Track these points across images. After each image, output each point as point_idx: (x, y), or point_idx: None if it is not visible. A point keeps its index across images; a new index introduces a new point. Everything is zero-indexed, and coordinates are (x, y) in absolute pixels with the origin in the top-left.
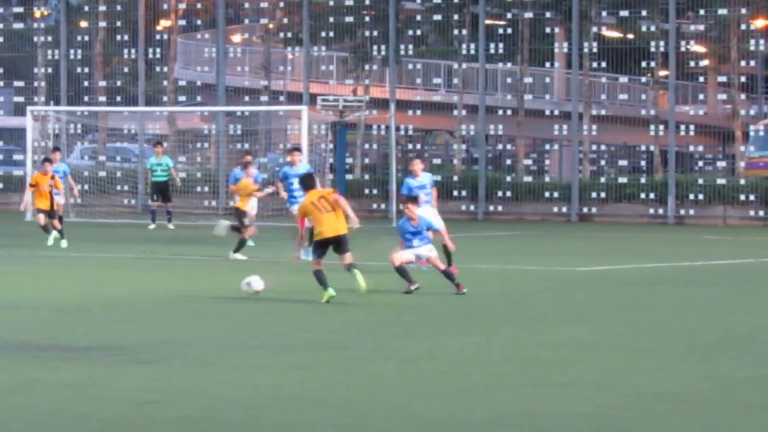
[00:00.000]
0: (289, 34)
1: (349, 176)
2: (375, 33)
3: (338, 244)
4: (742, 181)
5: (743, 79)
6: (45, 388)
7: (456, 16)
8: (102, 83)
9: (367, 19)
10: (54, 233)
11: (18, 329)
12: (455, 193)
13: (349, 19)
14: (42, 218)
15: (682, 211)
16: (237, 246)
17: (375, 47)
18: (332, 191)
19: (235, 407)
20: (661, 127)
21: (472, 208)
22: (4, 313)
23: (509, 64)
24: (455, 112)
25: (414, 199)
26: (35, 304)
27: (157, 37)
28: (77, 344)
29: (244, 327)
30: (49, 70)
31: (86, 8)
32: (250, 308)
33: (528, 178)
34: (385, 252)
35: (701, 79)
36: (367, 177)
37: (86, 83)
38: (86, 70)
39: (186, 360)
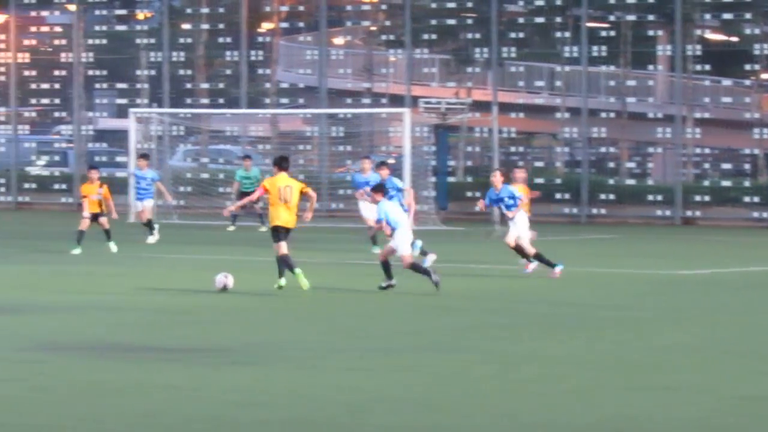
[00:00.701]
0: (392, 37)
1: (451, 179)
2: (477, 35)
3: (287, 233)
4: None
5: None
6: (147, 390)
7: (558, 19)
8: (204, 85)
9: (469, 21)
10: (154, 236)
11: (121, 331)
12: (558, 196)
13: (451, 21)
14: (86, 223)
15: None
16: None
17: (477, 50)
18: (305, 186)
19: (338, 409)
20: (765, 130)
21: (575, 211)
22: (107, 314)
23: (612, 67)
24: (558, 115)
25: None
26: (138, 305)
27: (260, 39)
28: (180, 346)
29: (348, 329)
30: (152, 72)
31: (189, 10)
32: (354, 310)
33: (631, 181)
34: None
35: None
36: (469, 180)
37: (189, 85)
38: (189, 72)
39: (289, 362)
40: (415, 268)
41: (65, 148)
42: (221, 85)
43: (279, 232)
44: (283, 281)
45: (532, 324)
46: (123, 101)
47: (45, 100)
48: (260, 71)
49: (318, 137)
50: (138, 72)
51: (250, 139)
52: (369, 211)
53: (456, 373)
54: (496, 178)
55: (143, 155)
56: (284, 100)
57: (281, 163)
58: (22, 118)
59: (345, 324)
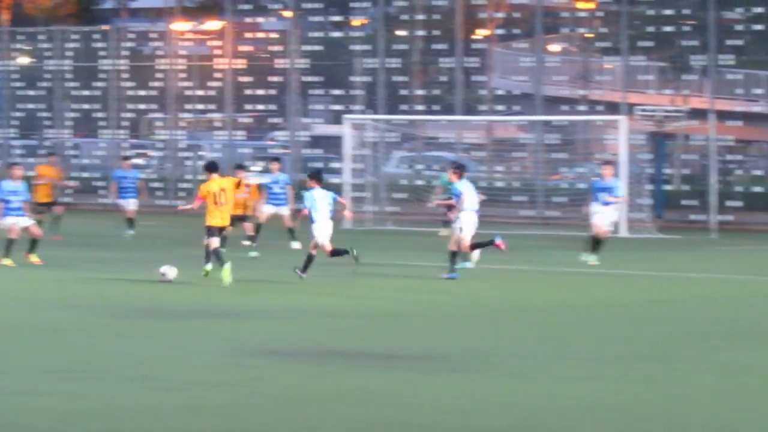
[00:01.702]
0: (608, 44)
1: (667, 187)
2: (694, 43)
3: (220, 231)
4: None
5: None
6: (364, 396)
7: None
8: (419, 92)
9: (686, 28)
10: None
11: (337, 337)
12: None
13: (668, 28)
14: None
15: None
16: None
17: (694, 57)
18: (237, 181)
19: (552, 417)
20: None
21: None
22: (323, 320)
23: None
24: None
25: None
26: (354, 311)
27: (475, 46)
28: (395, 352)
29: (563, 338)
30: (367, 78)
31: (404, 17)
32: (568, 319)
33: None
34: (703, 263)
35: None
36: (686, 188)
37: (404, 92)
38: (404, 78)
39: (502, 370)
40: (336, 252)
41: (280, 154)
42: (436, 92)
43: (213, 231)
44: (209, 266)
45: (752, 334)
46: (338, 107)
47: (260, 106)
48: (475, 78)
49: (533, 144)
50: (353, 78)
51: (465, 146)
52: (602, 217)
53: (670, 383)
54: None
55: (275, 159)
56: (499, 107)
57: (212, 168)
58: (237, 124)
59: (556, 333)
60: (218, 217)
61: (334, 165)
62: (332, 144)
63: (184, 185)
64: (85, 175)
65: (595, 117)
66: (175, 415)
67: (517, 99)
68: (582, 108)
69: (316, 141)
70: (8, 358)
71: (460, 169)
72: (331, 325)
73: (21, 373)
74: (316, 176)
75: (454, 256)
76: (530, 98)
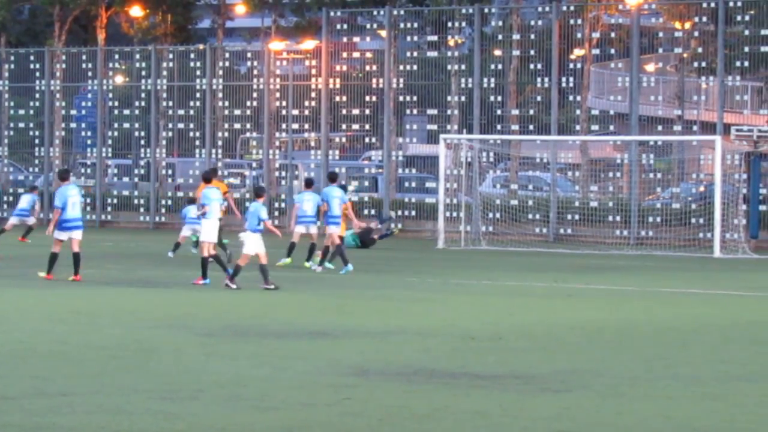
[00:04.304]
0: (703, 64)
1: (762, 207)
2: None
3: None
4: None
5: None
6: (455, 416)
7: None
8: (515, 111)
9: None
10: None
11: (429, 356)
12: None
13: (764, 48)
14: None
15: None
16: None
17: None
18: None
19: None
20: None
21: None
22: (415, 339)
23: None
24: None
25: None
26: (446, 331)
27: (571, 66)
28: (488, 372)
29: (657, 357)
30: (462, 98)
31: (500, 36)
32: (662, 339)
33: None
34: None
35: None
36: None
37: (499, 111)
38: (499, 98)
39: (597, 390)
40: (209, 260)
41: (375, 174)
42: (531, 112)
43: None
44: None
45: None
46: (433, 127)
47: (355, 126)
48: (571, 98)
49: (628, 164)
50: (449, 98)
51: (560, 165)
52: None
53: (764, 404)
54: None
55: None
56: (595, 127)
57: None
58: (332, 143)
59: (650, 352)
60: None
61: (430, 185)
62: (428, 163)
63: (278, 204)
64: (180, 194)
65: (691, 137)
66: None
67: (613, 119)
68: (677, 128)
69: (411, 160)
70: (100, 377)
71: None
72: (422, 344)
73: (113, 392)
74: (206, 176)
75: None
76: (625, 118)
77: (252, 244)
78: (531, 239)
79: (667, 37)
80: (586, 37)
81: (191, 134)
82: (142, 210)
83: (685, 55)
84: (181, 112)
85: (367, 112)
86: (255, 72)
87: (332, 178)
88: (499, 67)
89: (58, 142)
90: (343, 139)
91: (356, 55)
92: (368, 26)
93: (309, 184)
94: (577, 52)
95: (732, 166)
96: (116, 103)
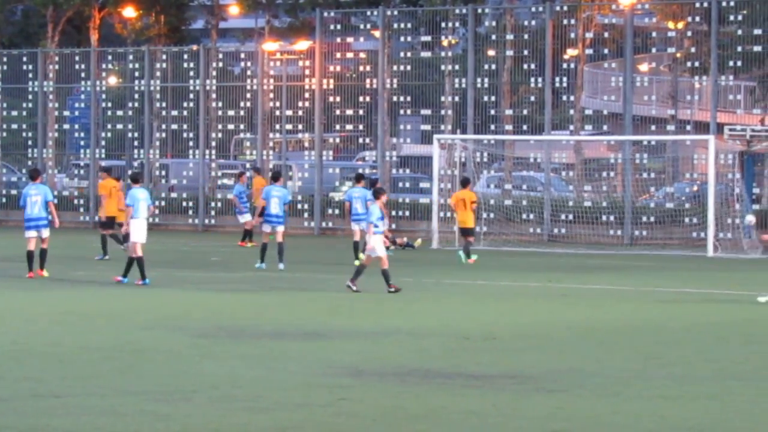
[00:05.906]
0: (697, 63)
1: (755, 206)
2: None
3: None
4: None
5: None
6: (450, 416)
7: None
8: (508, 111)
9: None
10: None
11: (424, 356)
12: None
13: (757, 48)
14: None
15: None
16: None
17: None
18: None
19: None
20: None
21: None
22: (410, 340)
23: None
24: None
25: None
26: (441, 331)
27: (564, 65)
28: (483, 372)
29: (651, 357)
30: (456, 98)
31: (494, 37)
32: (657, 338)
33: None
34: None
35: None
36: None
37: (492, 111)
38: (493, 98)
39: (591, 389)
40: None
41: (370, 174)
42: (525, 112)
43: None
44: None
45: None
46: (427, 127)
47: (349, 126)
48: (564, 98)
49: (622, 164)
50: (443, 98)
51: (554, 165)
52: None
53: (762, 402)
54: None
55: (241, 173)
56: (588, 127)
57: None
58: (326, 143)
59: (641, 352)
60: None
61: (424, 185)
62: (421, 164)
63: None
64: (174, 195)
65: (684, 137)
66: None
67: (606, 118)
68: (671, 128)
69: (405, 161)
70: (95, 379)
71: None
72: (417, 344)
73: (107, 393)
74: (133, 176)
75: None
76: (619, 118)
77: (380, 248)
78: (525, 239)
79: (661, 36)
80: (580, 37)
81: (185, 135)
82: None
83: (678, 55)
84: (174, 112)
85: (361, 112)
86: (249, 73)
87: (358, 178)
88: (493, 67)
89: (51, 144)
90: (337, 140)
91: (350, 55)
92: (362, 27)
93: (359, 179)
94: (571, 52)
95: (725, 166)
96: (109, 104)
